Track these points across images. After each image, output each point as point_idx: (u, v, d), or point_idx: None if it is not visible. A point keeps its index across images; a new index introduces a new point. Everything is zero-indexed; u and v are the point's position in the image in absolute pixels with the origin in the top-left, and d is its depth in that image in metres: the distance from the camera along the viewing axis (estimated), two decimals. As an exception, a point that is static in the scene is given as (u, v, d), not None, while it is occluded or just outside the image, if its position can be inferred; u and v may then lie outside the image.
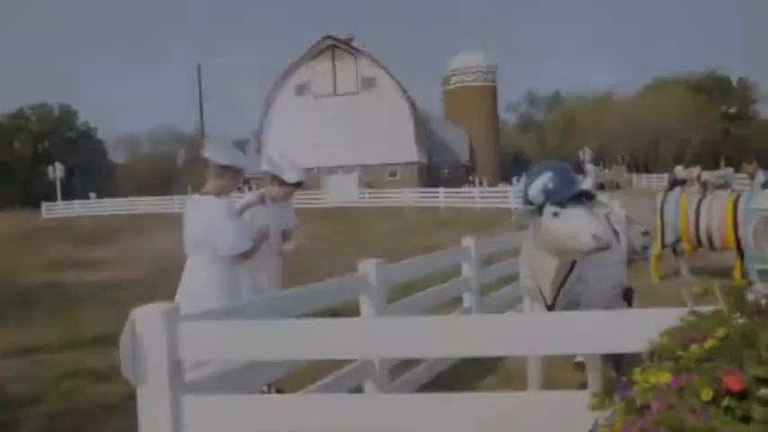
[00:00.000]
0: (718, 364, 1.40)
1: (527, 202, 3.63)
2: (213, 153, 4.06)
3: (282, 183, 4.89)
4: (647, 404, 1.43)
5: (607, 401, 1.81)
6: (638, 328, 1.97)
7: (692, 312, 1.75)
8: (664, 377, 1.45)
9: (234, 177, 4.09)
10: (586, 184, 3.68)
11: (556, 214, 3.48)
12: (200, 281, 3.96)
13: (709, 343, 1.48)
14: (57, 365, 6.45)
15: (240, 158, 4.13)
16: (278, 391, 4.66)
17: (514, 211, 3.67)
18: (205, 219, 3.96)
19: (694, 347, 1.50)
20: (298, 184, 4.92)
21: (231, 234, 3.95)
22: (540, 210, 3.57)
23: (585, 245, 3.31)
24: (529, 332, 2.14)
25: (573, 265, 3.77)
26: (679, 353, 1.52)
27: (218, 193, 4.03)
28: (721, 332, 1.58)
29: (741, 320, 1.70)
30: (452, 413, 2.31)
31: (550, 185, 3.52)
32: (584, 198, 3.54)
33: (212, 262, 3.96)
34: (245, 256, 4.06)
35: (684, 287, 1.82)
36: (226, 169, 4.03)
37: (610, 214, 4.73)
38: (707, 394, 1.34)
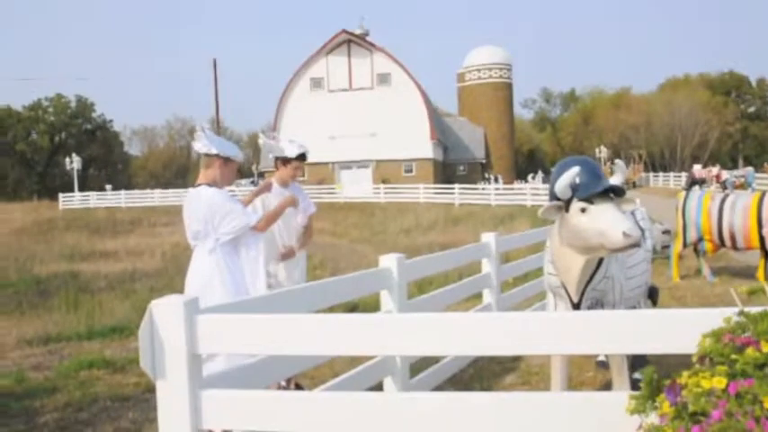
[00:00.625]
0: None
1: (554, 197, 3.53)
2: (197, 144, 4.01)
3: (286, 161, 4.86)
4: (700, 410, 1.35)
5: (648, 405, 1.73)
6: (681, 329, 1.89)
7: (741, 313, 1.66)
8: (718, 382, 1.36)
9: (223, 167, 3.99)
10: (616, 179, 3.58)
11: (583, 210, 3.38)
12: (201, 273, 3.91)
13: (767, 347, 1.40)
14: (74, 355, 6.46)
15: (225, 146, 4.04)
16: (297, 386, 4.62)
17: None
18: (201, 209, 3.91)
19: (750, 351, 1.41)
20: (301, 158, 4.87)
21: (236, 213, 3.88)
22: (566, 205, 3.47)
23: (616, 242, 3.21)
24: (565, 331, 2.06)
25: (600, 262, 3.67)
26: (733, 356, 1.43)
27: (210, 184, 3.97)
28: (775, 335, 1.49)
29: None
30: (482, 413, 2.23)
31: (578, 180, 3.42)
32: (612, 194, 3.44)
33: (212, 253, 3.89)
34: (260, 228, 3.99)
35: (732, 287, 1.72)
36: (213, 159, 3.96)
37: (635, 211, 4.62)
38: (770, 402, 1.26)
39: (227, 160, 4.00)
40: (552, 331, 2.15)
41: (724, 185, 27.69)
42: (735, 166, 53.35)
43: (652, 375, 1.68)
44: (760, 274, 9.03)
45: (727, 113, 73.31)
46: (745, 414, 1.26)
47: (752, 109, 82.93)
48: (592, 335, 2.02)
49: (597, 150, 54.90)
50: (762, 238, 8.82)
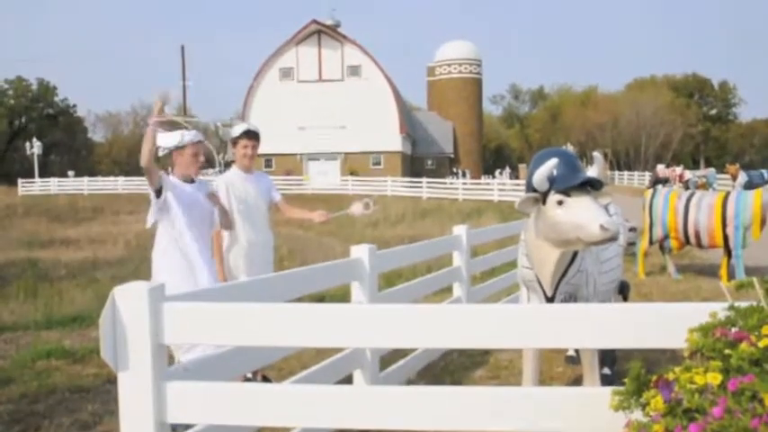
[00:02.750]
0: (782, 366, 1.27)
1: (530, 189, 3.48)
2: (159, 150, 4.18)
3: (235, 142, 4.77)
4: (694, 408, 1.29)
5: (633, 401, 1.68)
6: (667, 323, 1.84)
7: (731, 308, 1.62)
8: (713, 378, 1.31)
9: (179, 157, 4.15)
10: (593, 171, 3.55)
11: (560, 203, 3.33)
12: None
13: (764, 342, 1.35)
14: (31, 345, 6.24)
15: (167, 139, 4.13)
16: (264, 378, 4.51)
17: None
18: None
19: (745, 346, 1.37)
20: (248, 135, 4.75)
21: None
22: (543, 198, 3.42)
23: (593, 235, 3.17)
24: (547, 324, 2.00)
25: (574, 256, 3.64)
26: (727, 351, 1.39)
27: (182, 177, 4.18)
28: (767, 330, 1.45)
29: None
30: (472, 406, 2.17)
31: (555, 172, 3.38)
32: (589, 187, 3.40)
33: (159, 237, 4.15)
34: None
35: (721, 282, 1.67)
36: (170, 155, 4.19)
37: (609, 206, 4.60)
38: (771, 399, 1.21)
39: (177, 149, 4.11)
40: (531, 324, 2.10)
41: (687, 185, 28.16)
42: (696, 167, 54.46)
43: (639, 371, 1.62)
44: (723, 272, 9.18)
45: (690, 115, 74.74)
46: (745, 412, 1.21)
47: (713, 111, 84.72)
48: (576, 328, 1.97)
49: (564, 148, 55.55)
50: (725, 237, 8.97)
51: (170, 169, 4.41)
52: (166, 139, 4.09)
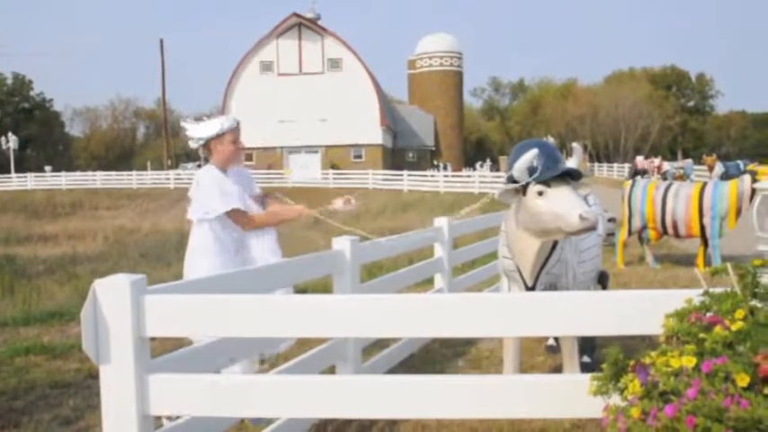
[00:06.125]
0: (754, 347, 1.31)
1: (511, 180, 3.51)
2: (191, 143, 4.15)
3: (220, 137, 4.52)
4: (669, 390, 1.33)
5: (611, 386, 1.71)
6: (644, 310, 1.87)
7: (706, 293, 1.66)
8: (688, 361, 1.34)
9: (219, 145, 4.04)
10: (572, 162, 3.58)
11: (541, 193, 3.36)
12: (189, 245, 4.06)
13: (737, 325, 1.38)
14: (9, 341, 6.17)
15: (203, 129, 4.04)
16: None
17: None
18: (193, 186, 4.14)
19: (719, 329, 1.40)
20: (239, 129, 4.64)
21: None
22: (524, 188, 3.45)
23: (572, 225, 3.20)
24: (528, 313, 2.02)
25: (554, 246, 3.68)
26: (701, 335, 1.42)
27: (217, 166, 4.08)
28: (740, 314, 1.48)
29: (756, 302, 1.61)
30: (454, 396, 2.19)
31: (536, 163, 3.40)
32: (569, 177, 3.44)
33: (200, 225, 4.05)
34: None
35: (696, 268, 1.71)
36: (208, 145, 4.06)
37: (588, 196, 4.65)
38: (743, 380, 1.24)
39: (218, 137, 3.98)
40: (512, 313, 2.12)
41: (665, 176, 28.50)
42: (674, 159, 55.12)
43: (617, 356, 1.65)
44: (699, 261, 9.32)
45: (668, 107, 75.58)
46: (718, 392, 1.24)
47: (691, 103, 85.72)
48: (556, 317, 1.99)
49: (544, 139, 55.83)
50: (702, 227, 9.10)
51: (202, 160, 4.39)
52: (202, 130, 3.97)
